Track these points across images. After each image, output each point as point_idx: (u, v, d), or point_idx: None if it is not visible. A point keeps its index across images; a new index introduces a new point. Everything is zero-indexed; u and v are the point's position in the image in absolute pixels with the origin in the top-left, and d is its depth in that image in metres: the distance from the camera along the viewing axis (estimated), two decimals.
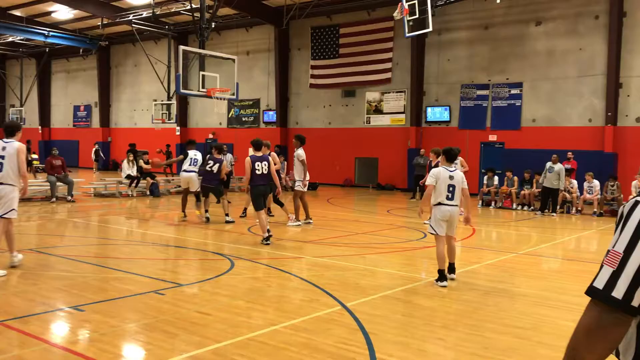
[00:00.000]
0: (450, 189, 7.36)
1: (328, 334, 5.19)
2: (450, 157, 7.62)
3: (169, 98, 29.86)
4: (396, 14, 17.77)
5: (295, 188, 12.86)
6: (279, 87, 28.02)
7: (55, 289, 6.76)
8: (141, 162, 19.61)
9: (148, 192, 19.40)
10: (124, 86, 35.91)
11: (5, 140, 7.65)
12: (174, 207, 16.43)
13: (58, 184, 16.94)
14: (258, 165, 10.36)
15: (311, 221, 13.03)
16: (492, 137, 22.42)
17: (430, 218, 7.66)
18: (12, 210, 7.63)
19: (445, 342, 5.13)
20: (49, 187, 16.88)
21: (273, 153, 13.09)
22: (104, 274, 7.71)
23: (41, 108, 40.42)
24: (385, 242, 10.82)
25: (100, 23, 30.43)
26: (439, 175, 7.36)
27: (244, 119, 30.01)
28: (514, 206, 17.82)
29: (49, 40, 32.80)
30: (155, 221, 13.96)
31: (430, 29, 17.68)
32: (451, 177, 7.37)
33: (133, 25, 28.57)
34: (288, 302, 6.46)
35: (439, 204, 7.37)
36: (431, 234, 7.60)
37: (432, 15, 17.61)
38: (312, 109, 27.69)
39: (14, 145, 7.59)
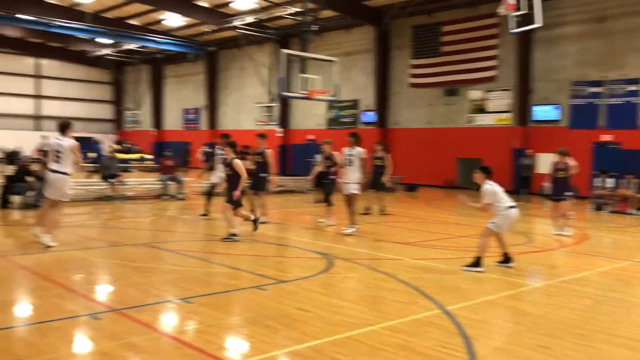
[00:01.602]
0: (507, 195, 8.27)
1: (426, 337, 5.12)
2: (488, 173, 8.30)
3: (272, 100, 30.70)
4: (501, 10, 17.16)
5: (353, 191, 11.48)
6: (379, 88, 27.96)
7: (166, 282, 7.17)
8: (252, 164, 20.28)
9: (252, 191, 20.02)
10: (229, 90, 37.37)
11: (60, 137, 9.11)
12: (275, 207, 16.86)
13: (169, 182, 17.95)
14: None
15: (356, 227, 11.64)
16: (606, 137, 21.05)
17: (497, 219, 8.10)
18: (67, 195, 9.09)
19: (552, 351, 4.89)
20: (162, 186, 17.92)
21: (335, 152, 12.59)
22: (210, 268, 8.07)
23: (155, 111, 43.00)
24: (488, 245, 10.47)
25: (208, 29, 31.89)
26: (495, 190, 8.15)
27: (343, 120, 30.24)
28: (632, 211, 16.60)
29: (162, 47, 34.85)
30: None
31: (539, 24, 16.92)
32: (499, 186, 8.24)
33: (238, 30, 29.68)
34: (386, 303, 6.43)
35: (511, 207, 8.10)
36: (493, 230, 8.10)
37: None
38: (412, 108, 27.39)
39: (68, 142, 9.04)
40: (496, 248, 8.43)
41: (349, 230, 11.26)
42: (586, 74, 21.64)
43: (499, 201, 8.10)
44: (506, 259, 8.38)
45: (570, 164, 11.79)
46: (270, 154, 13.07)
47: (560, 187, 11.82)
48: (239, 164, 10.21)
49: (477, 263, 8.07)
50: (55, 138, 9.23)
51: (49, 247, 8.88)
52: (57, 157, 8.97)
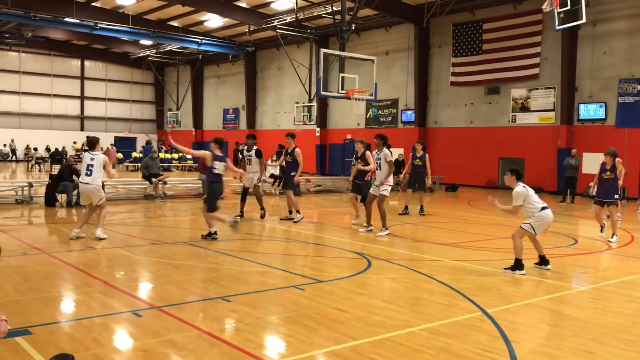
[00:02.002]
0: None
1: (467, 340, 5.03)
2: (519, 176, 8.17)
3: (310, 100, 30.76)
4: (545, 7, 16.77)
5: (382, 192, 11.35)
6: (418, 86, 27.70)
7: (205, 280, 7.24)
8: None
9: None
10: (268, 89, 37.61)
11: (92, 152, 9.92)
12: (313, 206, 16.89)
13: None
14: (217, 165, 10.10)
15: (372, 227, 11.66)
16: None
17: (532, 220, 7.99)
18: (102, 198, 9.94)
19: (597, 357, 4.73)
20: (201, 185, 18.13)
21: (367, 152, 12.26)
22: (249, 267, 8.12)
23: (195, 111, 43.63)
24: (530, 247, 10.25)
25: (247, 30, 32.17)
26: (527, 193, 7.99)
27: (381, 119, 30.08)
28: None
29: (202, 47, 35.35)
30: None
31: (584, 20, 16.46)
32: (529, 190, 8.08)
33: (277, 30, 29.83)
34: (425, 304, 6.35)
35: (544, 208, 7.97)
36: (528, 231, 7.97)
37: (586, 6, 16.39)
38: (452, 107, 27.04)
39: (100, 157, 9.84)
40: (534, 250, 8.24)
41: (382, 233, 11.14)
42: (635, 71, 20.95)
43: (531, 203, 7.95)
44: (543, 261, 8.22)
45: (618, 166, 11.29)
46: (299, 153, 13.00)
47: (606, 189, 11.30)
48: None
49: (517, 265, 7.93)
50: (88, 153, 10.01)
51: (101, 239, 9.68)
52: (89, 170, 9.77)
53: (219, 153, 10.20)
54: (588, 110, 22.27)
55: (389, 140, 12.25)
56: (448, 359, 4.58)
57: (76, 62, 44.16)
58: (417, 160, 14.96)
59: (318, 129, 32.92)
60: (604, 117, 21.82)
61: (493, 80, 25.22)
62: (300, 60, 31.92)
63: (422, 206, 14.92)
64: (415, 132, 27.40)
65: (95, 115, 44.94)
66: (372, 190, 11.58)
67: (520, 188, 8.00)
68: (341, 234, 11.65)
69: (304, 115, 30.47)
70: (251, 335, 5.07)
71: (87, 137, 10.69)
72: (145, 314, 5.63)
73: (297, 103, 32.44)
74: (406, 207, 14.90)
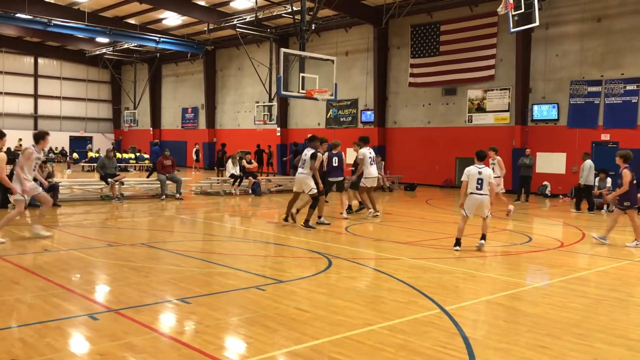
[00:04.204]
0: (479, 182, 9.37)
1: (426, 337, 5.11)
2: (479, 157, 9.66)
3: (270, 100, 30.67)
4: (500, 9, 17.15)
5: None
6: (378, 87, 27.95)
7: (164, 282, 7.14)
8: (244, 162, 20.31)
9: (250, 191, 20.06)
10: (228, 89, 37.33)
11: None
12: (275, 206, 16.85)
13: (167, 182, 17.91)
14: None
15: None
16: (605, 137, 21.06)
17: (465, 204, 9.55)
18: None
19: (551, 351, 4.88)
20: (159, 185, 17.88)
21: (319, 153, 12.16)
22: (209, 268, 8.05)
23: (152, 110, 42.94)
24: (487, 245, 10.48)
25: (206, 28, 31.86)
26: (469, 173, 9.41)
27: (342, 119, 30.22)
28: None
29: (160, 46, 34.85)
30: (256, 219, 14.38)
31: (537, 23, 16.90)
32: (480, 173, 9.39)
33: (237, 29, 29.64)
34: (385, 302, 6.42)
35: (471, 193, 9.39)
36: (463, 214, 9.56)
37: (539, 9, 16.83)
38: (411, 108, 27.38)
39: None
40: (496, 247, 8.42)
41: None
42: (585, 73, 21.64)
43: (469, 184, 9.29)
44: (456, 243, 9.63)
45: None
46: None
47: None
48: None
49: (455, 242, 9.56)
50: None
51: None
52: None
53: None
54: (541, 111, 22.88)
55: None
56: (407, 356, 4.64)
57: (29, 60, 42.92)
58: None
59: (279, 129, 32.86)
60: (556, 118, 22.45)
61: (450, 81, 25.66)
62: (261, 60, 31.79)
63: (350, 205, 14.74)
64: (374, 132, 27.63)
65: (50, 114, 43.76)
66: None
67: (468, 168, 9.41)
68: (302, 233, 11.66)
69: (264, 115, 30.35)
70: (211, 337, 5.03)
71: None
72: (102, 317, 5.52)
73: (258, 102, 32.31)
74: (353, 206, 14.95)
